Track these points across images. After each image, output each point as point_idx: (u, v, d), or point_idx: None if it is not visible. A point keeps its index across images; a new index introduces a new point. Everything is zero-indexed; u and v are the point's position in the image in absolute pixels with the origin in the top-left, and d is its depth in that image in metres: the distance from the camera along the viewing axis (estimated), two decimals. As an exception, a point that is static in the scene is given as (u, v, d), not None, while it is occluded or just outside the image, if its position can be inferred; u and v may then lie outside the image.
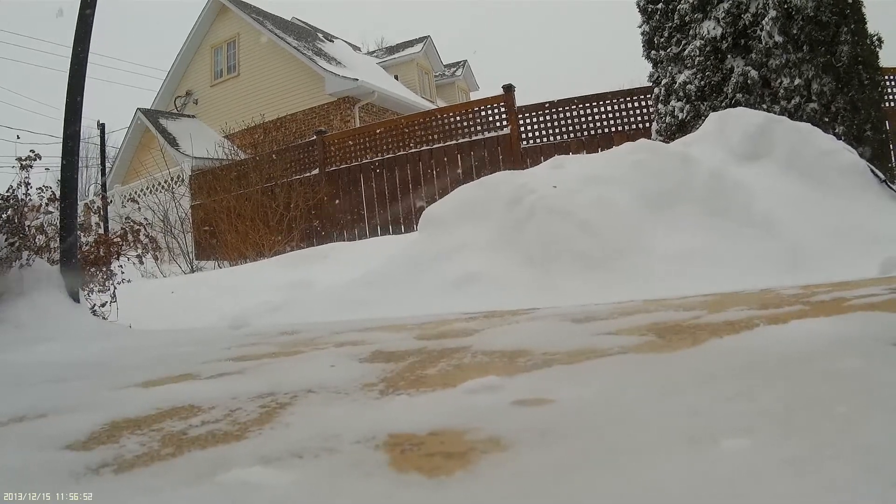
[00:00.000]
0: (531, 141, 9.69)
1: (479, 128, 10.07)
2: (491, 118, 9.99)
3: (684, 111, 6.83)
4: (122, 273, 4.18)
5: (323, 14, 49.88)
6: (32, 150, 3.79)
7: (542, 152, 9.13)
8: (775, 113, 5.61)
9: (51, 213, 3.78)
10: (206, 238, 10.61)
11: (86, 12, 3.59)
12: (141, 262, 4.92)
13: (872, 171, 4.52)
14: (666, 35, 7.22)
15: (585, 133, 9.46)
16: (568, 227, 3.87)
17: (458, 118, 10.27)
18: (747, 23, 6.57)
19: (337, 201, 10.75)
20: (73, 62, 3.57)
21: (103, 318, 3.80)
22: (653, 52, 7.38)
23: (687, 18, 6.98)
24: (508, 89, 9.82)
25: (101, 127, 16.86)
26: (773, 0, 6.19)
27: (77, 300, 3.50)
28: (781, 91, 6.23)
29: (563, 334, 1.90)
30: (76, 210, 3.64)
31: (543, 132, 9.68)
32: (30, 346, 2.75)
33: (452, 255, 4.06)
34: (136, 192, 13.10)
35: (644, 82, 8.22)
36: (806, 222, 3.87)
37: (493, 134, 9.87)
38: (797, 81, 6.10)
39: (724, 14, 6.67)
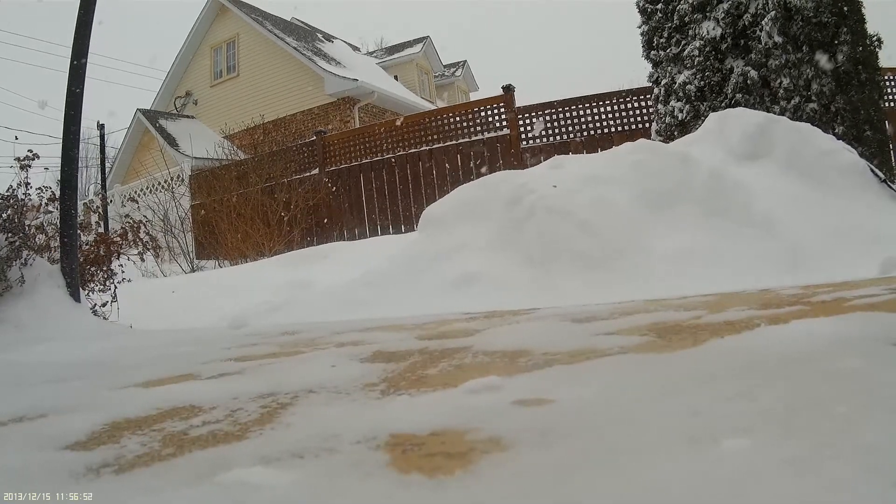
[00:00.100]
0: (531, 141, 9.69)
1: (478, 128, 10.07)
2: (491, 118, 9.99)
3: (684, 111, 6.83)
4: (123, 272, 4.18)
5: (323, 14, 49.90)
6: (30, 150, 3.80)
7: (542, 152, 9.13)
8: (775, 113, 5.61)
9: (51, 212, 3.79)
10: (207, 237, 10.61)
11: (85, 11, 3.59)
12: (142, 260, 4.93)
13: (872, 170, 4.52)
14: (666, 35, 7.22)
15: (585, 133, 9.47)
16: (568, 226, 3.87)
17: (457, 118, 10.27)
18: (747, 23, 6.57)
19: (337, 201, 10.75)
20: (72, 61, 3.57)
21: (104, 317, 3.80)
22: (652, 52, 7.38)
23: (686, 19, 6.99)
24: (508, 89, 9.82)
25: (101, 127, 16.85)
26: (772, 0, 6.19)
27: (77, 300, 3.50)
28: (781, 91, 6.23)
29: (563, 334, 1.91)
30: (76, 209, 3.64)
31: (543, 132, 9.68)
32: (30, 346, 2.75)
33: (452, 255, 4.06)
34: (135, 192, 13.10)
35: (644, 82, 8.23)
36: (806, 222, 3.87)
37: (492, 134, 9.88)
38: (797, 82, 6.11)
39: (723, 14, 6.67)
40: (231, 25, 18.57)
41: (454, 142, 10.10)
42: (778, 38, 6.18)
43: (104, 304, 3.90)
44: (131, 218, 4.63)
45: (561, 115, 9.61)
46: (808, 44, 6.04)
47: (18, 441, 1.21)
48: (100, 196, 11.13)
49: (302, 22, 21.34)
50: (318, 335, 2.49)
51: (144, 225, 4.72)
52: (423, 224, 4.62)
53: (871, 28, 6.14)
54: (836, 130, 5.82)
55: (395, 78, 20.61)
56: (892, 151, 6.77)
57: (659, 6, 7.27)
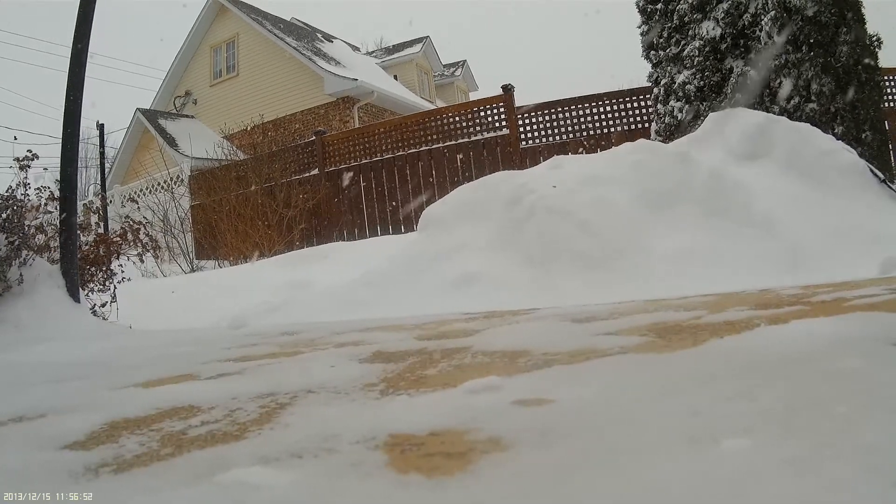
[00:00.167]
0: (531, 141, 9.69)
1: (478, 128, 10.08)
2: (490, 118, 9.99)
3: (684, 111, 6.83)
4: (122, 272, 4.18)
5: (323, 14, 49.93)
6: (30, 150, 3.79)
7: (542, 152, 9.14)
8: (774, 113, 5.61)
9: (50, 212, 3.78)
10: (206, 238, 10.62)
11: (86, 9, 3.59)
12: (141, 261, 4.93)
13: (872, 171, 4.52)
14: (665, 35, 7.22)
15: (585, 133, 9.47)
16: (568, 226, 3.87)
17: (457, 118, 10.28)
18: (746, 23, 6.57)
19: (336, 201, 10.75)
20: (72, 61, 3.57)
21: (103, 317, 3.80)
22: (652, 52, 7.38)
23: (686, 19, 6.99)
24: (508, 89, 9.82)
25: (101, 127, 16.84)
26: (772, 0, 6.19)
27: (77, 300, 3.50)
28: (781, 91, 6.24)
29: (563, 334, 1.90)
30: (76, 209, 3.64)
31: (543, 132, 9.69)
32: (30, 346, 2.75)
33: (452, 255, 4.06)
34: (135, 192, 13.11)
35: (643, 82, 8.23)
36: (806, 222, 3.87)
37: (492, 134, 9.88)
38: (797, 82, 6.11)
39: (723, 14, 6.67)
40: (231, 25, 18.57)
41: (454, 142, 10.10)
42: (778, 38, 6.18)
43: (104, 305, 3.90)
44: (131, 219, 4.63)
45: (561, 115, 9.61)
46: (807, 44, 6.04)
47: (18, 441, 1.21)
48: (99, 196, 11.13)
49: (302, 22, 21.34)
50: (317, 335, 2.49)
51: (144, 226, 4.72)
52: (423, 224, 4.62)
53: (871, 28, 6.15)
54: (836, 131, 5.82)
55: (395, 78, 20.62)
56: (892, 151, 6.78)
57: (658, 6, 7.27)
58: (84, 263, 3.84)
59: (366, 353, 1.88)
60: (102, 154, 16.04)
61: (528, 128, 9.72)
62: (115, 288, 4.02)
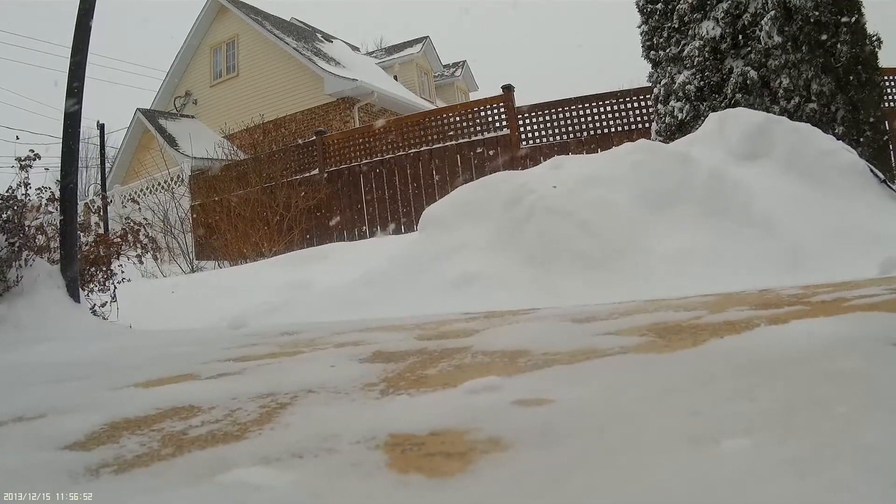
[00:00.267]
0: (531, 141, 9.70)
1: (478, 128, 10.08)
2: (490, 118, 10.00)
3: (684, 111, 6.84)
4: (123, 273, 4.19)
5: (323, 14, 49.93)
6: (31, 150, 3.80)
7: (542, 152, 9.14)
8: (775, 113, 5.61)
9: (51, 213, 3.78)
10: (207, 238, 10.62)
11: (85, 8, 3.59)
12: (141, 262, 4.93)
13: (872, 171, 4.52)
14: (665, 35, 7.22)
15: (585, 133, 9.47)
16: (568, 227, 3.87)
17: (457, 118, 10.28)
18: (746, 23, 6.57)
19: (336, 201, 10.75)
20: (72, 59, 3.57)
21: (103, 317, 3.80)
22: (652, 52, 7.39)
23: (686, 19, 6.99)
24: (508, 89, 9.83)
25: (101, 127, 16.85)
26: (772, 0, 6.19)
27: (77, 300, 3.50)
28: (781, 91, 6.24)
29: (563, 334, 1.90)
30: (76, 210, 3.64)
31: (543, 132, 9.69)
32: (30, 346, 2.75)
33: (452, 255, 4.06)
34: (135, 193, 13.11)
35: (644, 82, 8.23)
36: (806, 222, 3.87)
37: (492, 134, 9.88)
38: (797, 82, 6.11)
39: (723, 14, 6.67)
40: (231, 25, 18.57)
41: (454, 142, 10.11)
42: (778, 38, 6.19)
43: (104, 305, 3.90)
44: (131, 220, 4.63)
45: (561, 115, 9.61)
46: (807, 44, 6.04)
47: (18, 441, 1.21)
48: (100, 196, 11.13)
49: (302, 22, 21.34)
50: (317, 335, 2.49)
51: (144, 227, 4.72)
52: (423, 224, 4.62)
53: (871, 28, 6.15)
54: (836, 131, 5.83)
55: (395, 78, 20.61)
56: (892, 151, 6.78)
57: (658, 6, 7.27)
58: (84, 264, 3.85)
59: (366, 353, 1.88)
60: (103, 154, 16.07)
61: (528, 128, 9.72)
62: (115, 288, 4.02)
